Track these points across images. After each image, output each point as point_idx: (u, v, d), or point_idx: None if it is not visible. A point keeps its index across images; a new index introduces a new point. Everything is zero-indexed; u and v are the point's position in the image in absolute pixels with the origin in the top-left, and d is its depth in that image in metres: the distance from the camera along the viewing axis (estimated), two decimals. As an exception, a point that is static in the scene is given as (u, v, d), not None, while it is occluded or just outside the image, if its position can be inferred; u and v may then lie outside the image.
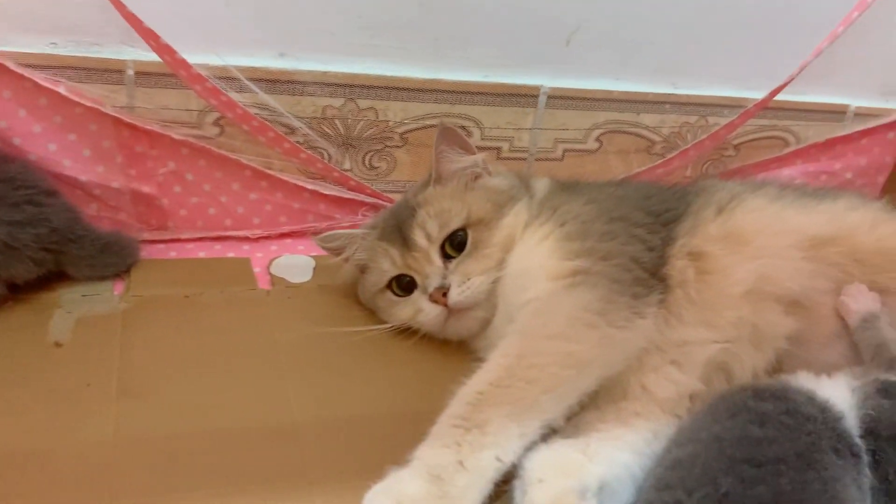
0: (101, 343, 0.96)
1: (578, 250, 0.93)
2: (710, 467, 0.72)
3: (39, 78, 1.05)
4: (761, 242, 0.92)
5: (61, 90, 1.06)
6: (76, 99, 1.08)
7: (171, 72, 1.15)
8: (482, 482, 0.74)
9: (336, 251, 1.11)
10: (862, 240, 0.93)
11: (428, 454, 0.75)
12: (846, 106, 1.56)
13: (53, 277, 1.06)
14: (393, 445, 0.77)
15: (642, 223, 0.97)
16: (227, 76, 1.20)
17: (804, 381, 0.84)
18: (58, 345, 0.95)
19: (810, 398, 0.80)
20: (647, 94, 1.47)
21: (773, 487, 0.69)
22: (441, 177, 1.07)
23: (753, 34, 1.48)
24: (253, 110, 1.23)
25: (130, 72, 1.17)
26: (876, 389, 0.81)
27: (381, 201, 1.33)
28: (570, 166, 1.50)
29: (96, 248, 1.08)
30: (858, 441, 0.77)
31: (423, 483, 0.72)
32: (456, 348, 1.03)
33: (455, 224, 1.01)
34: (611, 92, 1.46)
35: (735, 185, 1.03)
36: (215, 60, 1.20)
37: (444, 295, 0.97)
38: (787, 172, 1.49)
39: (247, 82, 1.19)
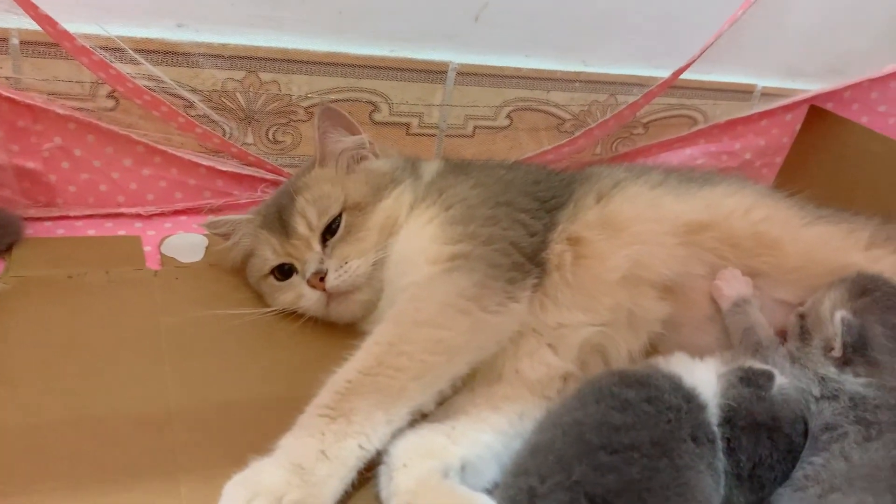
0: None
1: (461, 234, 0.93)
2: (565, 453, 0.74)
3: None
4: (637, 229, 0.94)
5: (-71, 63, 1.02)
6: (-55, 72, 1.03)
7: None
8: (344, 471, 0.75)
9: (223, 237, 1.09)
10: (736, 224, 0.96)
11: (291, 444, 0.75)
12: (753, 86, 1.59)
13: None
14: (266, 432, 0.77)
15: (526, 209, 0.98)
16: (118, 47, 1.17)
17: (675, 365, 0.87)
18: (-78, 330, 0.92)
19: (676, 386, 0.82)
20: (556, 71, 1.48)
21: (624, 475, 0.72)
22: (324, 158, 1.06)
23: (662, 12, 1.49)
24: (149, 83, 1.20)
25: (15, 41, 1.13)
26: (738, 378, 0.84)
27: (281, 177, 1.31)
28: (481, 143, 1.50)
29: None
30: (715, 429, 0.80)
31: (284, 473, 0.72)
32: (344, 330, 1.02)
33: (335, 210, 1.00)
34: (520, 69, 1.45)
35: (620, 171, 1.04)
36: (101, 31, 1.16)
37: (322, 280, 0.97)
38: (689, 152, 1.51)
39: (133, 54, 1.15)
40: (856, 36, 1.61)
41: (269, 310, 1.02)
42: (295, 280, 1.01)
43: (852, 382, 0.83)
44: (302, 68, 1.31)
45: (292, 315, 1.02)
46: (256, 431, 0.79)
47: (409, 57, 1.37)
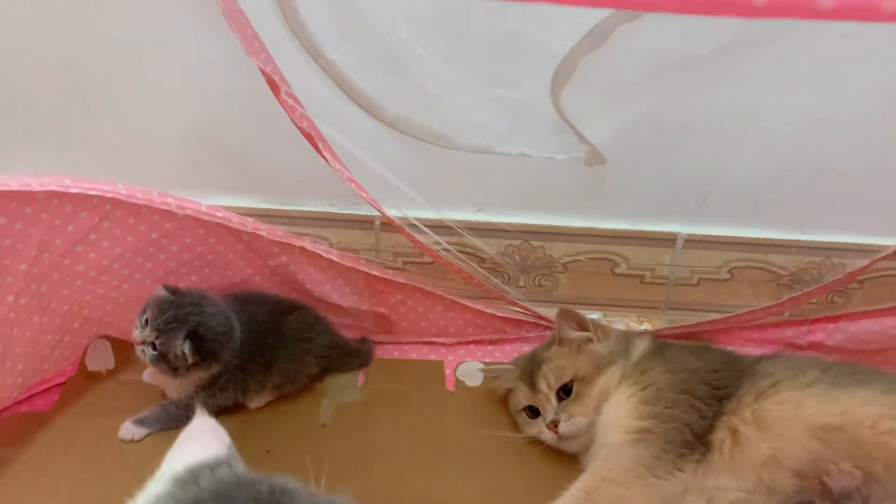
0: (351, 426, 1.42)
1: (648, 413, 1.32)
2: None
3: (321, 250, 1.66)
4: (780, 429, 1.23)
5: (334, 257, 1.67)
6: (341, 261, 1.67)
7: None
8: None
9: (494, 378, 1.62)
10: (863, 433, 1.18)
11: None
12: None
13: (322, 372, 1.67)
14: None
15: (703, 397, 1.33)
16: (440, 225, 1.73)
17: None
18: (324, 426, 1.44)
19: None
20: (774, 239, 1.77)
21: None
22: (561, 340, 1.51)
23: (881, 183, 1.69)
24: (453, 246, 1.75)
25: (377, 223, 1.77)
26: None
27: (540, 320, 1.80)
28: (705, 291, 1.86)
29: (342, 352, 1.66)
30: None
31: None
32: (571, 456, 1.47)
33: (566, 378, 1.43)
34: (742, 237, 1.78)
35: (783, 369, 1.32)
36: (433, 215, 1.74)
37: (556, 426, 1.43)
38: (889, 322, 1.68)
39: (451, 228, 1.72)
40: None
41: (523, 436, 1.50)
42: (538, 420, 1.48)
43: None
44: (562, 238, 1.80)
45: (538, 441, 1.48)
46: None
47: (645, 229, 1.79)
